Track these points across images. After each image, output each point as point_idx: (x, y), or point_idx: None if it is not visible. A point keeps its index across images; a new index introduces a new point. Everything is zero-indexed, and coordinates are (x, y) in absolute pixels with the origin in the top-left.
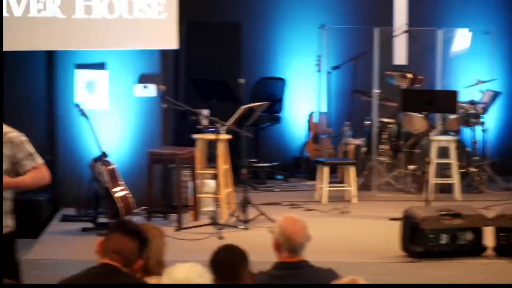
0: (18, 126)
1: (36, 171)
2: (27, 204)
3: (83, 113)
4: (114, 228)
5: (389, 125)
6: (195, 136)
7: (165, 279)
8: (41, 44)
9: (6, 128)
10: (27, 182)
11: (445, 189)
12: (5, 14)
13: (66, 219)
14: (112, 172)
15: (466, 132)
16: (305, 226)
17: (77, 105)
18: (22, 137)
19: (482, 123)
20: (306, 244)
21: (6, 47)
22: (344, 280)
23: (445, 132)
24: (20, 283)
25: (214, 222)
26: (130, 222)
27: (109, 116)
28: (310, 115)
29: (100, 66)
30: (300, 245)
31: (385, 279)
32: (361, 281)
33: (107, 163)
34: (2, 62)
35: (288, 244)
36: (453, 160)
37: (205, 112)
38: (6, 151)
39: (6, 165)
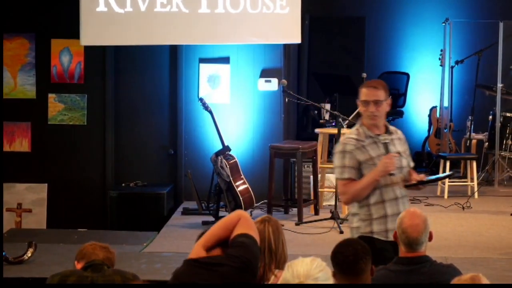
0: (142, 119)
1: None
2: (150, 198)
3: (206, 107)
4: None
5: None
6: (317, 130)
7: (286, 273)
8: (165, 39)
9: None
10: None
11: None
12: (129, 9)
13: (187, 212)
14: (233, 166)
15: None
16: (425, 222)
17: (201, 99)
18: (336, 148)
19: None
20: (423, 240)
21: (132, 42)
22: (465, 278)
23: None
24: None
25: (334, 216)
26: None
27: (230, 110)
28: (432, 110)
29: (224, 60)
30: (415, 240)
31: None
32: (483, 278)
33: (229, 157)
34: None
35: (403, 237)
36: None
37: (327, 106)
38: None
39: None
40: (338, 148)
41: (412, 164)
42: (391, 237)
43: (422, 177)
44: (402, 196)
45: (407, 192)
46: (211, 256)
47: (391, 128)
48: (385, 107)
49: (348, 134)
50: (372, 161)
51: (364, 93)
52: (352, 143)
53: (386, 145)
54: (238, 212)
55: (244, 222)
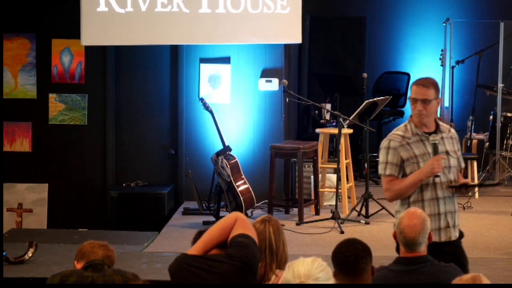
0: (143, 119)
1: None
2: (150, 198)
3: (207, 107)
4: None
5: None
6: (318, 130)
7: (286, 273)
8: (166, 39)
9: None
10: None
11: None
12: (129, 9)
13: (187, 212)
14: (234, 166)
15: None
16: (423, 223)
17: (202, 99)
18: (382, 144)
19: None
20: (421, 240)
21: (132, 42)
22: (466, 278)
23: None
24: None
25: (335, 216)
26: None
27: (231, 110)
28: None
29: (224, 60)
30: (412, 240)
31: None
32: (484, 278)
33: (230, 157)
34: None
35: (401, 237)
36: None
37: (328, 106)
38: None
39: None
40: (383, 144)
41: (463, 165)
42: None
43: (468, 181)
44: (444, 196)
45: (452, 192)
46: (210, 254)
47: (443, 126)
48: (434, 106)
49: (395, 130)
50: (415, 159)
51: (414, 90)
52: (397, 139)
53: (435, 146)
54: (235, 214)
55: (242, 223)
